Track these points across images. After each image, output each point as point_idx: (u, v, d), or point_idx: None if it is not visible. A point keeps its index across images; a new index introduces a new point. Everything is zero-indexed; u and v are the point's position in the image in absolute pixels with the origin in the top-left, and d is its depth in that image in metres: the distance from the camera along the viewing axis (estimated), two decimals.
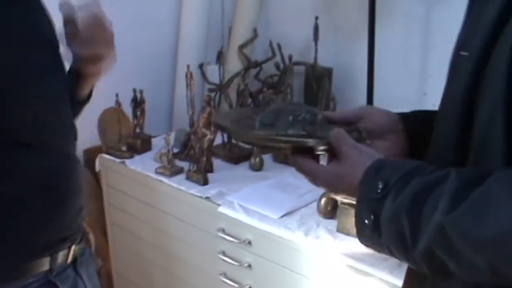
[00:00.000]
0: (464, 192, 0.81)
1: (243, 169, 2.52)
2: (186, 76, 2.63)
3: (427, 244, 0.84)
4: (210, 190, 2.33)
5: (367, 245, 0.98)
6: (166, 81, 3.15)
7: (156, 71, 3.08)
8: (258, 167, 2.48)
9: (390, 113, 1.23)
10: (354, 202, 0.98)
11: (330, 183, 1.04)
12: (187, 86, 2.61)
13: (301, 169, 1.08)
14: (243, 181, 2.38)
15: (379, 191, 0.92)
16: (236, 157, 2.56)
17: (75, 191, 1.52)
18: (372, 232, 0.94)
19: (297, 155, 1.09)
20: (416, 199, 0.87)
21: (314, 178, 1.07)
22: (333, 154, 1.05)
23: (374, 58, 2.49)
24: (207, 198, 2.30)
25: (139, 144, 2.67)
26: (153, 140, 2.75)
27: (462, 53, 0.96)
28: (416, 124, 1.20)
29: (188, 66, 2.65)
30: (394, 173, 0.92)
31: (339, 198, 1.07)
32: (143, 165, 2.58)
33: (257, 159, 2.47)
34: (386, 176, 0.93)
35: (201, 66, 3.01)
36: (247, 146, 1.31)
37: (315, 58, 2.79)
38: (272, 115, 1.14)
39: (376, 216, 0.92)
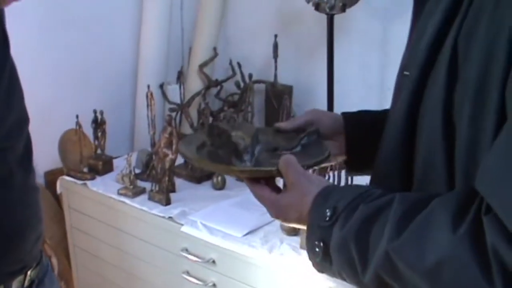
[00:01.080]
0: (408, 219, 0.82)
1: (205, 188, 2.52)
2: (147, 96, 2.62)
3: (375, 271, 0.86)
4: (172, 210, 2.32)
5: (320, 272, 1.00)
6: (127, 102, 3.14)
7: (117, 91, 3.07)
8: (221, 186, 2.48)
9: (336, 116, 1.28)
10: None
11: (280, 213, 1.05)
12: (147, 106, 2.61)
13: (255, 196, 1.10)
14: (205, 200, 2.38)
15: (327, 218, 0.93)
16: (198, 176, 2.56)
17: (33, 223, 1.48)
18: (323, 260, 0.95)
19: (252, 183, 1.09)
20: (363, 227, 0.88)
21: (266, 207, 1.08)
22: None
23: (333, 75, 2.51)
24: (170, 218, 2.29)
25: (100, 166, 2.65)
26: (115, 161, 2.73)
27: (405, 73, 0.99)
28: (355, 124, 1.25)
29: (148, 86, 2.65)
30: (341, 200, 0.93)
31: (292, 225, 1.07)
32: (105, 187, 2.56)
33: (219, 178, 2.48)
34: (334, 203, 0.94)
35: (161, 86, 3.01)
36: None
37: (275, 76, 2.81)
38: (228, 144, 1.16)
39: (325, 243, 0.94)
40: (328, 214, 0.93)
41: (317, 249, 0.95)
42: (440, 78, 0.87)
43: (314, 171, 1.20)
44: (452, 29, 0.87)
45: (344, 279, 0.96)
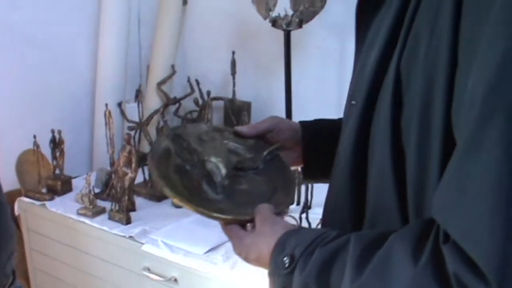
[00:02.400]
0: (367, 257, 0.83)
1: (165, 206, 2.51)
2: (105, 115, 2.61)
3: None
4: (133, 229, 2.31)
5: None
6: (85, 121, 3.12)
7: (75, 111, 3.05)
8: None
9: (294, 124, 1.29)
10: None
11: (242, 251, 1.06)
12: (106, 125, 2.60)
13: (222, 228, 1.11)
14: (166, 218, 2.38)
15: (286, 266, 0.94)
16: (158, 194, 2.55)
17: (4, 239, 1.47)
18: None
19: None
20: (322, 270, 0.89)
21: (232, 242, 1.09)
22: None
23: (291, 90, 2.53)
24: (130, 237, 2.28)
25: (59, 186, 2.63)
26: (74, 181, 2.71)
27: (352, 102, 1.00)
28: (312, 133, 1.27)
29: (106, 105, 2.64)
30: (297, 247, 0.94)
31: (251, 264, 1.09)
32: (64, 207, 2.53)
33: None
34: (291, 250, 0.95)
35: (120, 104, 3.00)
36: None
37: (234, 93, 2.82)
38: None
39: None
40: (287, 262, 0.94)
41: None
42: (386, 107, 0.88)
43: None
44: (393, 57, 0.88)
45: None
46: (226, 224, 1.10)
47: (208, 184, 1.15)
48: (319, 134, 1.28)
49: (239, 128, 1.28)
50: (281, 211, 1.12)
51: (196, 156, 1.18)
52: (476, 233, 0.69)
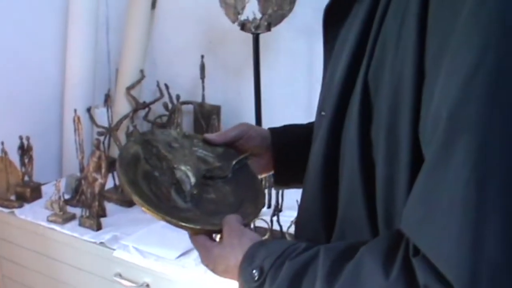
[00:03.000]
0: (337, 270, 0.83)
1: (136, 211, 2.49)
2: (74, 120, 2.59)
3: None
4: (104, 235, 2.30)
5: None
6: (54, 126, 3.09)
7: (43, 116, 3.02)
8: None
9: (263, 131, 1.30)
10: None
11: (210, 262, 1.06)
12: (75, 130, 2.58)
13: (190, 239, 1.11)
14: (137, 224, 2.36)
15: (256, 279, 0.94)
16: (128, 200, 2.53)
17: None
18: None
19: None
20: (292, 284, 0.89)
21: (199, 252, 1.09)
22: None
23: (260, 93, 2.54)
24: (101, 243, 2.27)
25: (28, 193, 2.61)
26: (43, 188, 2.68)
27: (322, 113, 1.01)
28: (282, 139, 1.27)
29: (75, 111, 2.62)
30: (266, 259, 0.94)
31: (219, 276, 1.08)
32: (34, 214, 2.51)
33: None
34: (260, 263, 0.95)
35: (89, 109, 2.98)
36: None
37: (203, 96, 2.82)
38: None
39: None
40: (256, 274, 0.94)
41: None
42: (354, 118, 0.88)
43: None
44: (361, 68, 0.88)
45: None
46: (194, 234, 1.09)
47: (176, 192, 1.15)
48: (289, 140, 1.28)
49: (208, 136, 1.28)
50: (248, 222, 1.12)
51: (165, 163, 1.18)
52: (445, 248, 0.70)
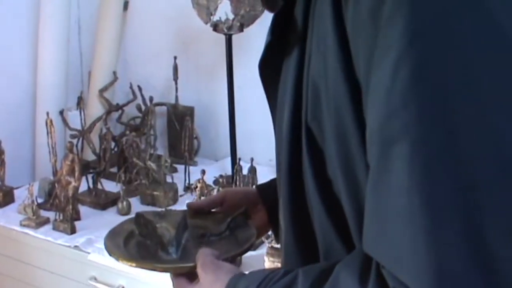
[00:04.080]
0: None
1: (111, 214, 2.48)
2: (46, 123, 2.57)
3: None
4: (78, 239, 2.28)
5: None
6: (26, 130, 3.06)
7: (15, 120, 2.99)
8: (126, 211, 2.45)
9: (249, 190, 1.32)
10: None
11: None
12: (47, 133, 2.56)
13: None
14: (111, 227, 2.33)
15: None
16: (103, 202, 2.52)
17: None
18: None
19: (175, 275, 1.11)
20: None
21: None
22: None
23: (234, 94, 2.54)
24: (76, 247, 2.25)
25: (0, 197, 2.57)
26: (16, 192, 2.65)
27: (278, 163, 1.01)
28: (270, 194, 1.24)
29: (47, 114, 2.60)
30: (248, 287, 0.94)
31: None
32: (6, 219, 2.48)
33: (125, 203, 2.45)
34: None
35: (61, 112, 2.96)
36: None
37: (176, 98, 2.82)
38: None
39: None
40: None
41: None
42: (306, 163, 0.90)
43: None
44: (302, 113, 0.90)
45: None
46: (175, 276, 1.09)
47: (162, 249, 1.15)
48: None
49: (189, 203, 1.29)
50: (229, 258, 1.11)
51: (151, 226, 1.19)
52: (402, 259, 0.71)
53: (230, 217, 1.23)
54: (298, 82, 0.91)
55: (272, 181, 1.31)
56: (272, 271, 0.96)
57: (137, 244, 1.19)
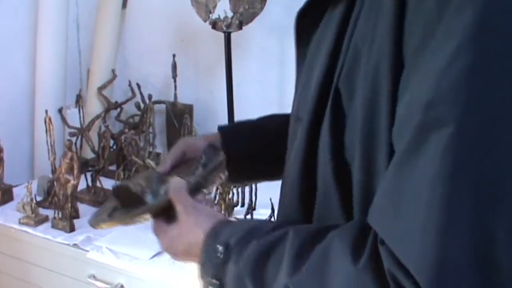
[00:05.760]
0: (305, 252, 0.82)
1: None
2: (45, 121, 2.57)
3: None
4: (77, 237, 2.28)
5: None
6: (25, 128, 3.06)
7: (13, 117, 2.99)
8: None
9: (208, 137, 1.29)
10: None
11: (169, 245, 1.04)
12: (46, 131, 2.56)
13: (152, 230, 1.10)
14: None
15: (219, 255, 0.93)
16: (101, 200, 2.51)
17: None
18: None
19: (154, 219, 1.09)
20: (258, 262, 0.88)
21: (158, 238, 1.08)
22: None
23: (233, 92, 2.54)
24: (74, 245, 2.25)
25: None
26: (15, 190, 2.65)
27: (297, 119, 1.00)
28: (233, 138, 1.26)
29: (46, 111, 2.60)
30: (232, 236, 0.93)
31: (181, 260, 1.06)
32: (5, 217, 2.48)
33: None
34: (225, 239, 0.93)
35: (60, 110, 2.95)
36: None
37: (175, 96, 2.81)
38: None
39: (220, 281, 0.93)
40: (220, 251, 0.93)
41: (210, 287, 0.95)
42: (326, 123, 0.88)
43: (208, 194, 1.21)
44: (335, 73, 0.88)
45: None
46: (154, 220, 1.08)
47: (141, 204, 1.14)
48: (241, 138, 1.28)
49: (159, 168, 1.26)
50: (200, 186, 1.11)
51: (125, 190, 1.18)
52: (408, 242, 0.70)
53: (208, 171, 1.21)
54: (337, 42, 0.89)
55: (237, 125, 1.32)
56: (260, 223, 0.96)
57: (121, 213, 1.17)
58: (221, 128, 1.32)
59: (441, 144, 0.69)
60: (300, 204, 0.96)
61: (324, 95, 0.89)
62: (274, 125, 1.30)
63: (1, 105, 2.91)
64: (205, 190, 1.20)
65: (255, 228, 0.93)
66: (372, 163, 0.82)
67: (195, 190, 1.13)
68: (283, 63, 2.60)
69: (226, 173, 1.28)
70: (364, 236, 0.77)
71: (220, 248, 0.93)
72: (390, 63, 0.78)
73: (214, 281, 0.94)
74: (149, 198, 1.13)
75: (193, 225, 0.99)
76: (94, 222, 1.18)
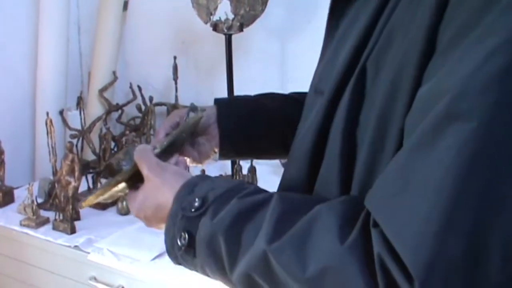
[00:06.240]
0: (288, 220, 0.80)
1: (111, 214, 2.48)
2: (46, 123, 2.57)
3: (246, 269, 0.83)
4: (78, 239, 2.28)
5: (178, 264, 0.96)
6: (26, 130, 3.06)
7: (14, 119, 2.99)
8: (126, 211, 2.45)
9: (203, 109, 1.28)
10: None
11: (138, 209, 1.01)
12: (47, 133, 2.56)
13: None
14: (111, 226, 2.35)
15: (194, 209, 0.89)
16: (102, 202, 2.51)
17: None
18: (185, 253, 0.91)
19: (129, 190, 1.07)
20: (235, 222, 0.85)
21: (130, 206, 1.05)
22: None
23: (234, 94, 2.53)
24: (75, 247, 2.25)
25: (0, 197, 2.58)
26: (16, 192, 2.66)
27: (317, 91, 0.98)
28: (228, 112, 1.25)
29: (47, 113, 2.60)
30: (211, 191, 0.90)
31: (155, 228, 1.02)
32: (6, 219, 2.49)
33: (124, 203, 2.44)
34: (203, 193, 0.90)
35: (61, 112, 2.96)
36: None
37: (176, 98, 2.81)
38: None
39: (191, 235, 0.90)
40: (196, 204, 0.89)
41: (179, 241, 0.91)
42: (346, 99, 0.86)
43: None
44: (365, 52, 0.86)
45: (207, 275, 0.93)
46: (129, 191, 1.06)
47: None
48: (236, 113, 1.26)
49: (153, 141, 1.24)
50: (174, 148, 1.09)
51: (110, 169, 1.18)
52: (408, 229, 0.69)
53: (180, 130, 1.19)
54: (371, 23, 0.87)
55: (233, 101, 1.32)
56: (242, 183, 0.92)
57: (99, 188, 1.16)
58: (217, 100, 1.31)
59: (460, 137, 0.68)
60: (306, 177, 0.94)
61: (350, 72, 0.88)
62: (270, 103, 1.29)
63: (2, 107, 2.91)
64: (189, 160, 1.20)
65: (237, 187, 0.90)
66: (380, 147, 0.81)
67: (168, 151, 1.11)
68: (283, 64, 2.61)
69: (218, 148, 1.27)
70: (355, 216, 0.76)
71: (197, 202, 0.89)
72: (421, 48, 0.77)
73: (183, 234, 0.90)
74: (125, 170, 1.11)
75: (160, 184, 0.97)
76: (80, 204, 1.18)
